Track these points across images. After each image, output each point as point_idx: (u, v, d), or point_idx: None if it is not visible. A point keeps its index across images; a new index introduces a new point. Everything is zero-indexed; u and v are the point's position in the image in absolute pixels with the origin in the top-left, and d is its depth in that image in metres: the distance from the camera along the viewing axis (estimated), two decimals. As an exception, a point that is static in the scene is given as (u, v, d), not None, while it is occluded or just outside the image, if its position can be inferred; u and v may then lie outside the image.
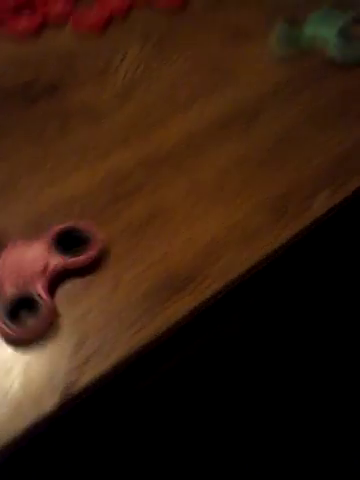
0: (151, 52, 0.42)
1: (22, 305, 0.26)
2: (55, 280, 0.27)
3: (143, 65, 0.41)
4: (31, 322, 0.25)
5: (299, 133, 0.35)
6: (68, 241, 0.29)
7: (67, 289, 0.27)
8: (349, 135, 0.35)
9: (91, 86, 0.40)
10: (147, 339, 0.25)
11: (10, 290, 0.26)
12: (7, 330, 0.25)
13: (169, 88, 0.39)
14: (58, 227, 0.29)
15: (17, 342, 0.25)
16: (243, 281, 0.28)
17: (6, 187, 0.33)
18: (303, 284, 0.36)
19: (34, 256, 0.27)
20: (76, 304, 0.27)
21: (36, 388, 0.24)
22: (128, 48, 0.43)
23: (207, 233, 0.30)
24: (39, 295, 0.26)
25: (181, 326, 0.26)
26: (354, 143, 0.35)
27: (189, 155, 0.34)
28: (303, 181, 0.32)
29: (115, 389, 0.26)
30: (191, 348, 0.29)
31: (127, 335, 0.25)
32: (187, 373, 0.32)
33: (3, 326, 0.25)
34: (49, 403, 0.23)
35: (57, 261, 0.27)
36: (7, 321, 0.25)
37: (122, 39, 0.44)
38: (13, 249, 0.28)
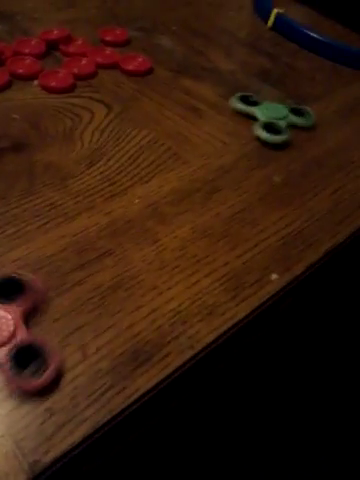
0: (115, 121, 0.45)
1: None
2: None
3: (107, 132, 0.43)
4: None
5: (253, 211, 0.39)
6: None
7: (33, 358, 0.28)
8: (299, 215, 0.39)
9: (58, 147, 0.41)
10: (115, 411, 0.26)
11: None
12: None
13: (130, 161, 0.41)
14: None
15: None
16: (206, 354, 0.30)
17: (-31, 247, 0.33)
18: (265, 353, 0.38)
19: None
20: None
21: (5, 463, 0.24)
22: (94, 112, 0.45)
23: (170, 304, 0.32)
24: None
25: (149, 398, 0.27)
26: (302, 223, 0.39)
27: (153, 223, 0.36)
28: (257, 260, 0.35)
29: (82, 460, 0.26)
30: (161, 415, 0.30)
31: (96, 407, 0.26)
32: (159, 437, 0.33)
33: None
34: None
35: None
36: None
37: (89, 102, 0.46)
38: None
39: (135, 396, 0.27)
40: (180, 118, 0.46)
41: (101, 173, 0.40)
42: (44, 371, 0.27)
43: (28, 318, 0.29)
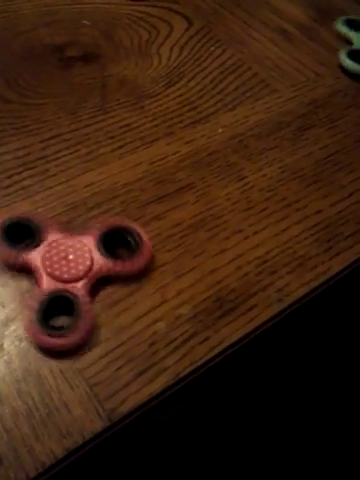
0: (195, 38, 0.40)
1: (58, 305, 0.24)
2: (98, 283, 0.25)
3: (187, 49, 0.39)
4: (69, 329, 0.23)
5: (349, 155, 0.34)
6: (113, 241, 0.27)
7: (109, 295, 0.25)
8: None
9: (133, 61, 0.37)
10: (198, 363, 0.24)
11: (48, 286, 0.24)
12: (43, 337, 0.23)
13: (213, 83, 0.37)
14: (105, 225, 0.27)
15: (52, 352, 0.23)
16: (295, 309, 0.27)
17: (38, 167, 0.30)
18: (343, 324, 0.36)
19: (77, 253, 0.25)
20: (118, 315, 0.25)
21: (78, 411, 0.22)
22: (173, 25, 0.40)
23: (257, 251, 0.28)
24: (79, 297, 0.24)
25: (232, 351, 0.25)
26: None
27: (239, 157, 0.33)
28: (353, 210, 0.31)
29: (158, 410, 0.24)
30: (236, 370, 0.28)
31: (176, 356, 0.24)
32: (227, 397, 0.32)
33: (38, 333, 0.23)
34: (92, 428, 0.21)
35: (103, 264, 0.25)
36: (43, 326, 0.23)
37: (167, 13, 0.41)
38: (55, 240, 0.25)
39: (219, 348, 0.25)
40: (268, 41, 0.41)
41: (181, 95, 0.35)
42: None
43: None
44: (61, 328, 0.23)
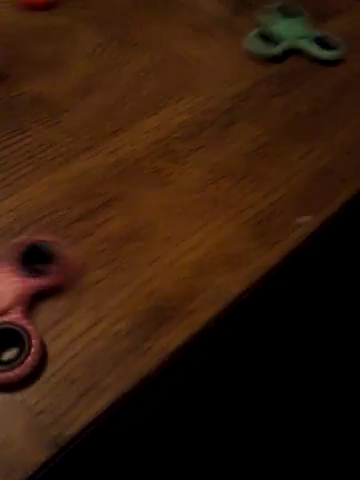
0: (112, 43, 0.40)
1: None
2: (30, 306, 0.25)
3: (103, 56, 0.39)
4: (18, 360, 0.23)
5: (277, 145, 0.35)
6: (34, 259, 0.27)
7: (44, 320, 0.25)
8: (330, 146, 0.36)
9: (45, 76, 0.37)
10: (137, 379, 0.24)
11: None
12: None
13: (131, 89, 0.37)
14: (21, 243, 0.27)
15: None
16: (233, 309, 0.28)
17: None
18: (290, 308, 0.37)
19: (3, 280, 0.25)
20: (56, 337, 0.25)
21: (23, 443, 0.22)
22: (84, 33, 0.41)
23: (191, 255, 0.29)
24: (22, 327, 0.24)
25: (172, 361, 0.25)
26: (336, 155, 0.36)
27: (165, 162, 0.33)
28: (285, 201, 0.32)
29: (104, 430, 0.24)
30: (179, 379, 0.28)
31: (117, 373, 0.24)
32: (175, 404, 0.32)
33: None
34: (37, 459, 0.22)
35: (29, 283, 0.25)
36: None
37: (76, 20, 0.42)
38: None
39: (160, 358, 0.25)
40: (186, 38, 0.42)
41: (99, 105, 0.36)
42: (24, 358, 0.24)
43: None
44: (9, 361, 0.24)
